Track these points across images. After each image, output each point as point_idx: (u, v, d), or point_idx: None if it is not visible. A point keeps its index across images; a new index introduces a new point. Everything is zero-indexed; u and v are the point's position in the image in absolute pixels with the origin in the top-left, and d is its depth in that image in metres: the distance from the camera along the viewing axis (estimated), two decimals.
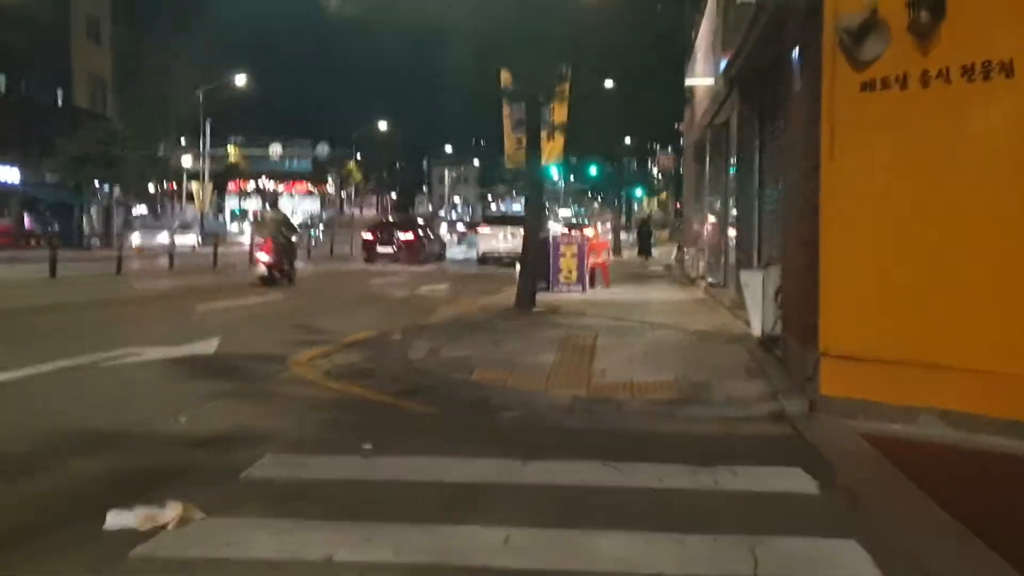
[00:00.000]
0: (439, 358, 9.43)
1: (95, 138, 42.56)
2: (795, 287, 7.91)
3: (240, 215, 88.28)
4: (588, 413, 7.16)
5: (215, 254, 29.27)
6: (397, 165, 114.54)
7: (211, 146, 67.48)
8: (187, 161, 58.02)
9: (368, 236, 33.64)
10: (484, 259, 30.51)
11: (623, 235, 45.26)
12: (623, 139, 41.25)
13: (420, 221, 39.83)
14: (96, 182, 47.68)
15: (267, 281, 19.29)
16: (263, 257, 19.64)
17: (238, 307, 15.39)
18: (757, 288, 9.17)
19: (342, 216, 78.61)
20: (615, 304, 15.09)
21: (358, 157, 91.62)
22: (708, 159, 17.38)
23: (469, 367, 8.78)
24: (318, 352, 10.15)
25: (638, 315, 13.00)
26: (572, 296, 16.77)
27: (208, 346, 10.55)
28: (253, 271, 20.43)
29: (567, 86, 14.87)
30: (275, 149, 59.89)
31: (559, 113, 18.01)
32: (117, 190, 51.13)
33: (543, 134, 18.34)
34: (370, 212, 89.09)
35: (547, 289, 17.77)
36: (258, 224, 25.03)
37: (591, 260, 19.69)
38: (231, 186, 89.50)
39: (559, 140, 18.43)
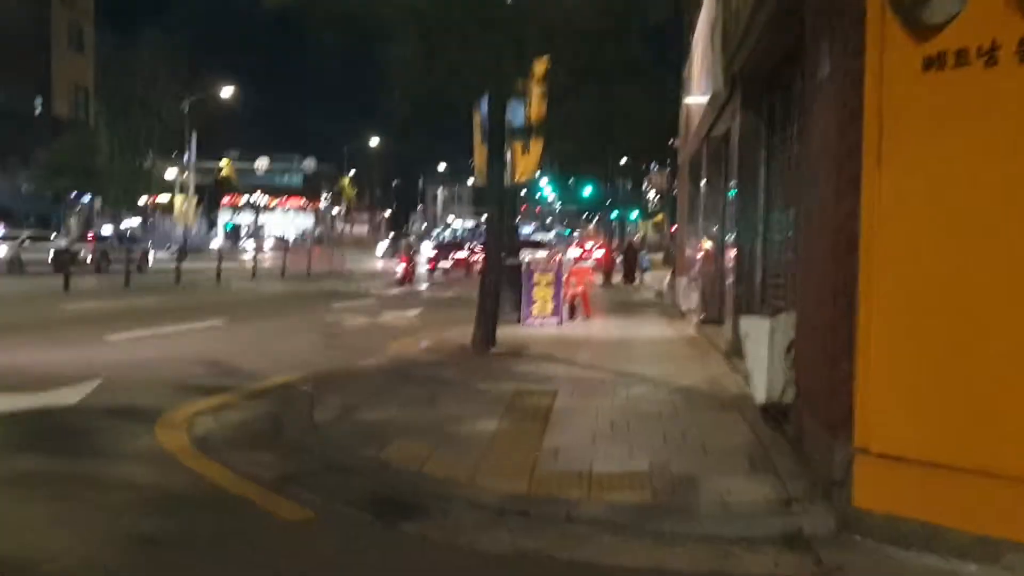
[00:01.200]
0: (352, 421, 7.21)
1: (73, 147, 40.44)
2: (816, 348, 5.70)
3: (232, 230, 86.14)
4: (524, 524, 4.92)
5: (178, 271, 27.03)
6: (393, 183, 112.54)
7: (205, 159, 65.51)
8: (171, 173, 55.82)
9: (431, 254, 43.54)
10: None
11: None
12: (614, 155, 39.23)
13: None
14: (76, 193, 45.59)
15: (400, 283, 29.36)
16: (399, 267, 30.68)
17: (155, 337, 13.14)
18: (762, 341, 6.95)
19: (332, 233, 76.54)
20: (591, 344, 12.86)
21: (351, 173, 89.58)
22: (704, 177, 15.20)
23: (385, 437, 6.57)
24: (210, 404, 7.97)
25: (615, 361, 10.76)
26: (545, 331, 14.53)
27: (77, 392, 8.35)
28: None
29: (536, 87, 12.71)
30: (261, 163, 57.67)
31: (535, 116, 15.86)
32: (99, 202, 49.03)
33: (518, 147, 16.24)
34: (361, 230, 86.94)
35: (518, 322, 15.56)
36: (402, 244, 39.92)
37: (570, 289, 17.47)
38: (225, 200, 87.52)
39: (534, 153, 16.26)
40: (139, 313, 16.81)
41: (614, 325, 16.25)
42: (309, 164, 68.96)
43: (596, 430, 6.86)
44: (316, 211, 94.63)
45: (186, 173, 53.68)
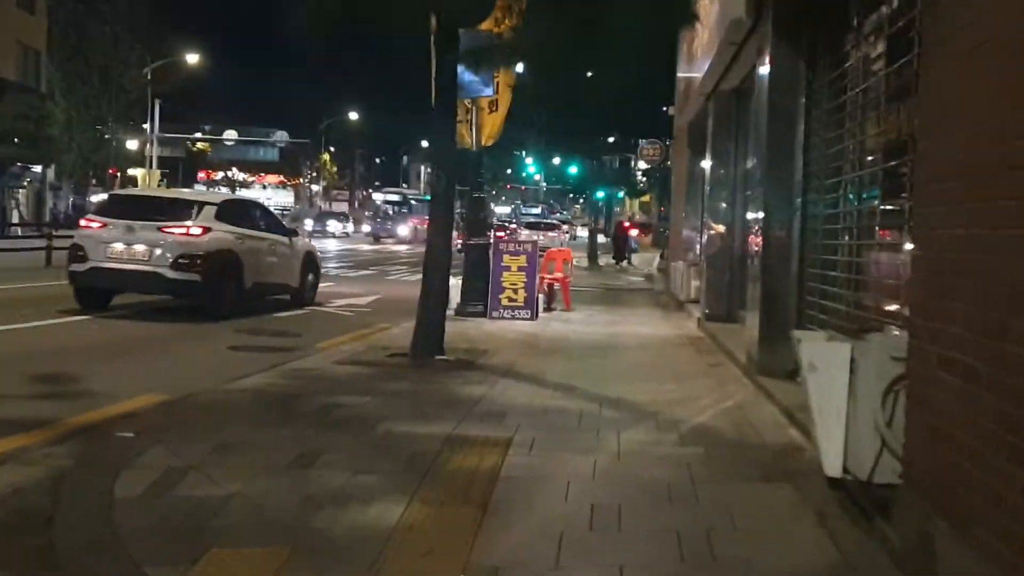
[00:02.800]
0: (168, 500, 4.40)
1: (16, 113, 37.17)
2: (964, 401, 2.94)
3: None
4: None
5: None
6: (377, 160, 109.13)
7: (175, 131, 62.16)
8: (134, 145, 52.55)
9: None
10: None
11: (600, 239, 40.34)
12: (601, 128, 36.49)
13: None
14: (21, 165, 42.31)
15: None
16: None
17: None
18: (838, 379, 4.20)
19: (311, 210, 73.35)
20: (568, 348, 10.08)
21: (331, 149, 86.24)
22: (709, 143, 12.41)
23: (202, 538, 3.79)
24: None
25: (599, 378, 7.96)
26: (513, 328, 11.75)
27: None
28: None
29: (498, 22, 9.92)
30: (230, 134, 54.45)
31: (503, 80, 13.06)
32: (51, 173, 45.81)
33: (484, 104, 13.41)
34: (341, 207, 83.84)
35: (484, 314, 12.77)
36: None
37: (547, 275, 14.67)
38: (200, 175, 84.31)
39: (502, 108, 13.43)
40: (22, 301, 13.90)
41: (599, 319, 13.47)
42: (281, 136, 65.50)
43: (566, 524, 4.07)
44: (296, 188, 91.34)
45: (148, 145, 50.35)
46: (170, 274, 11.65)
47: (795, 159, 7.69)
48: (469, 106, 13.17)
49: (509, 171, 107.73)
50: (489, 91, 12.85)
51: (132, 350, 9.46)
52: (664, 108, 24.71)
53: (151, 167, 50.52)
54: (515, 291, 12.90)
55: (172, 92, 55.05)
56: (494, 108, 13.45)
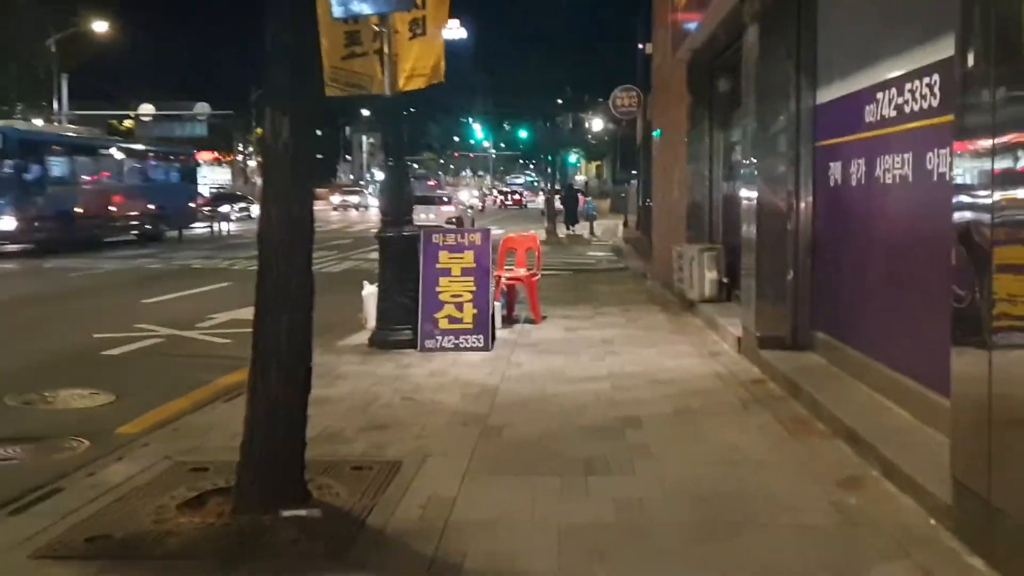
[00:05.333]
0: None
1: None
2: None
3: None
4: None
5: None
6: (317, 132, 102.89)
7: (91, 108, 55.98)
8: (39, 123, 46.59)
9: None
10: None
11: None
12: (553, 83, 32.08)
13: None
14: None
15: None
16: None
17: None
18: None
19: (245, 188, 67.60)
20: (556, 433, 5.44)
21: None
22: (753, 70, 7.72)
23: None
24: None
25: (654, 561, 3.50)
26: (458, 374, 7.20)
27: None
28: None
29: None
30: (146, 108, 48.79)
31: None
32: None
33: (401, 25, 8.82)
34: None
35: (414, 344, 8.22)
36: None
37: (505, 275, 10.14)
38: None
39: (433, 36, 8.81)
40: None
41: (585, 338, 8.92)
42: (203, 109, 59.51)
43: None
44: (233, 165, 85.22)
45: (56, 125, 44.47)
46: None
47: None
48: (378, 29, 8.54)
49: (457, 139, 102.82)
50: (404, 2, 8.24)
51: None
52: (640, 46, 20.01)
53: None
54: (459, 306, 8.34)
55: (82, 66, 49.23)
56: (418, 31, 8.82)
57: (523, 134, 47.81)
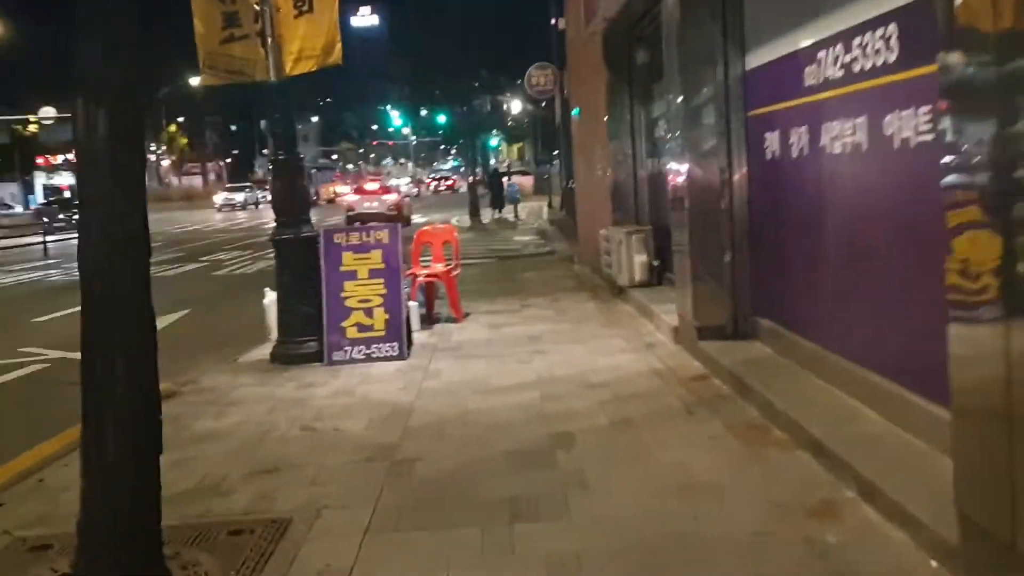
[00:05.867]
0: None
1: None
2: None
3: (52, 194, 73.62)
4: None
5: None
6: (232, 128, 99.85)
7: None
8: None
9: None
10: None
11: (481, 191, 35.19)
12: (467, 65, 31.21)
13: None
14: None
15: None
16: None
17: None
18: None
19: (159, 189, 65.24)
20: (482, 463, 4.67)
21: (179, 120, 77.40)
22: (674, 39, 6.97)
23: None
24: None
25: None
26: (368, 390, 6.35)
27: None
28: None
29: None
30: (47, 111, 46.09)
31: None
32: None
33: (287, 7, 7.89)
34: (193, 182, 75.71)
35: (319, 359, 7.34)
36: None
37: (421, 272, 9.30)
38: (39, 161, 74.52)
39: (323, 13, 7.86)
40: None
41: (511, 335, 8.14)
42: None
43: None
44: (147, 164, 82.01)
45: None
46: None
47: None
48: (259, 6, 7.58)
49: (375, 127, 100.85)
50: None
51: None
52: (552, 22, 19.20)
53: None
54: (368, 312, 7.46)
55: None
56: (304, 8, 7.86)
57: (442, 119, 46.72)
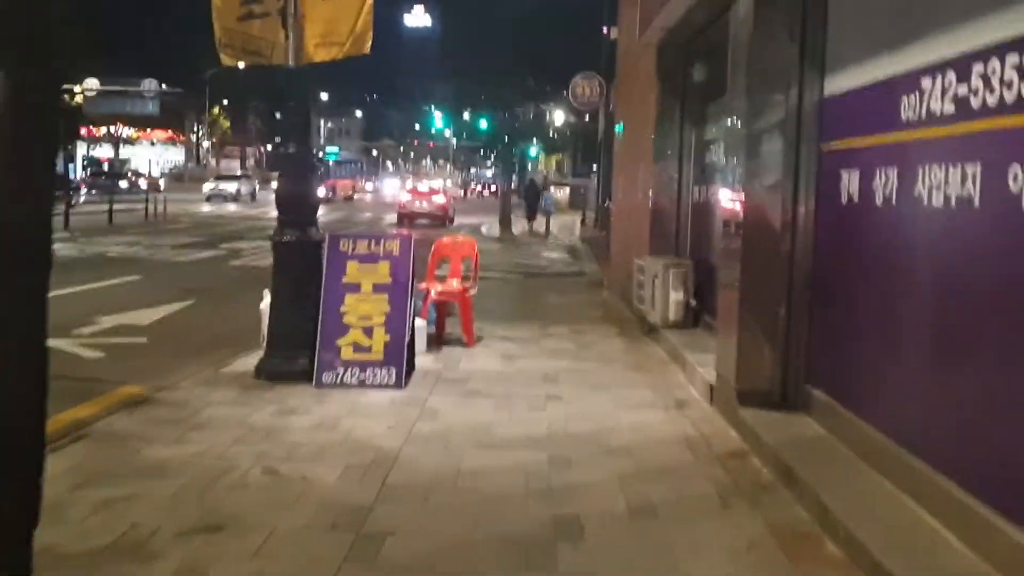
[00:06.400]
0: None
1: None
2: None
3: (92, 165, 73.99)
4: None
5: None
6: (276, 115, 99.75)
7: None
8: None
9: None
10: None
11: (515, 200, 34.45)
12: (514, 68, 30.52)
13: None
14: None
15: None
16: None
17: None
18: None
19: (196, 169, 65.08)
20: (451, 547, 3.79)
21: (224, 102, 77.40)
22: (745, 51, 6.04)
23: None
24: None
25: None
26: (352, 426, 5.48)
27: None
28: None
29: None
30: (91, 83, 45.79)
31: None
32: None
33: None
34: (232, 165, 75.63)
35: (308, 378, 6.50)
36: None
37: (435, 287, 8.45)
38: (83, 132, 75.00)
39: (351, 4, 7.02)
40: None
41: (524, 373, 7.20)
42: (150, 86, 56.56)
43: None
44: (187, 144, 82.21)
45: None
46: None
47: None
48: None
49: (417, 126, 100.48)
50: None
51: None
52: (604, 29, 18.30)
53: None
54: (367, 331, 6.62)
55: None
56: None
57: (483, 124, 46.11)
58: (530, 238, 28.14)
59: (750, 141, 5.86)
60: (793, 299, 5.66)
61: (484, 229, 30.97)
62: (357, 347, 6.56)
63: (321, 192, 42.08)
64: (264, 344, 7.08)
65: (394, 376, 6.50)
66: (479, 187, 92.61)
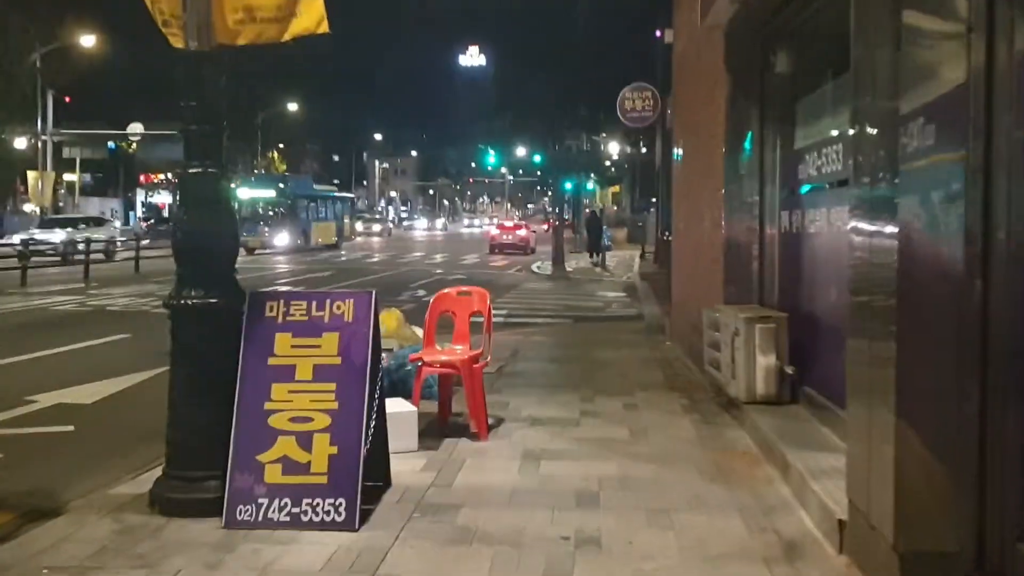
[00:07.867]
0: None
1: None
2: None
3: (151, 212, 73.81)
4: None
5: None
6: (335, 157, 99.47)
7: (85, 127, 52.57)
8: (21, 143, 43.35)
9: None
10: None
11: (568, 234, 32.34)
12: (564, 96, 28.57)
13: None
14: None
15: None
16: None
17: None
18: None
19: None
20: None
21: (280, 146, 76.88)
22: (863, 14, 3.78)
23: None
24: None
25: None
26: None
27: None
28: None
29: None
30: (135, 127, 44.89)
31: None
32: None
33: None
34: None
35: (220, 511, 4.22)
36: None
37: (435, 354, 6.13)
38: (142, 179, 75.18)
39: None
40: None
41: (548, 503, 4.75)
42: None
43: None
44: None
45: (38, 143, 41.08)
46: None
47: None
48: None
49: (473, 164, 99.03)
50: None
51: None
52: (658, 33, 16.01)
53: (45, 168, 41.08)
54: (304, 440, 4.34)
55: (77, 84, 45.91)
56: None
57: (538, 158, 44.36)
58: (585, 275, 25.83)
59: (900, 146, 3.45)
60: (989, 382, 3.20)
61: (535, 267, 28.90)
62: (289, 465, 4.28)
63: (285, 238, 37.34)
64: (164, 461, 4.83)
65: (344, 510, 4.18)
66: (544, 223, 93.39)
